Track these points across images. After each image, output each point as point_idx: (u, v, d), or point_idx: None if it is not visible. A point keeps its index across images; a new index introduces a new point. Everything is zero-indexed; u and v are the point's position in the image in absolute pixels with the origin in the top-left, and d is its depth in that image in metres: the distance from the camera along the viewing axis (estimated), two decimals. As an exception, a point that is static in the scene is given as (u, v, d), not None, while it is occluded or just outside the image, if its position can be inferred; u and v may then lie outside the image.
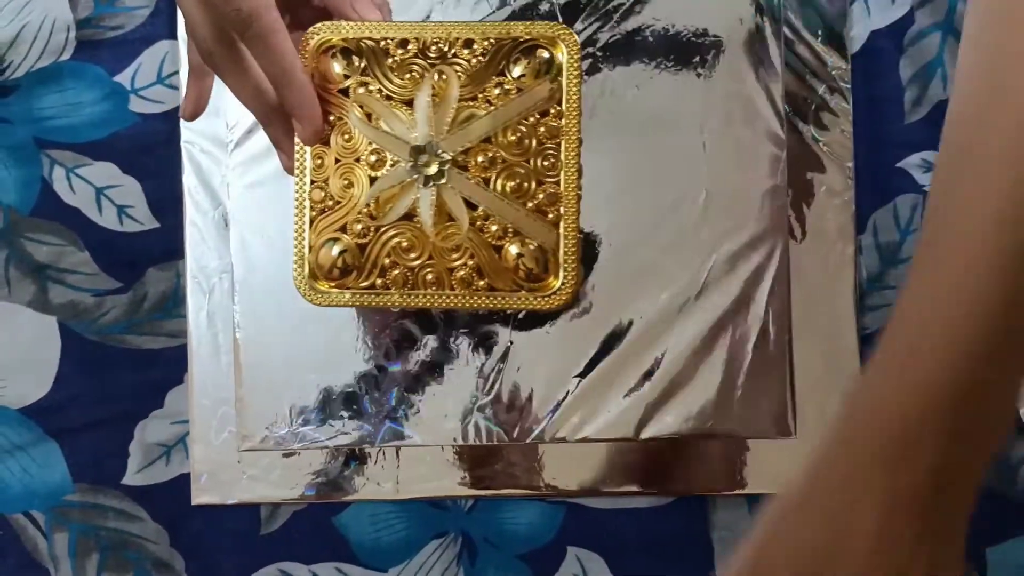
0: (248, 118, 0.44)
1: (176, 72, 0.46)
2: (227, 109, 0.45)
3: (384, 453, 0.44)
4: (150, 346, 0.46)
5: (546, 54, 0.35)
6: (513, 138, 0.35)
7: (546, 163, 0.35)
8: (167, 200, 0.46)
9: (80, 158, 0.47)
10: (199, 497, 0.44)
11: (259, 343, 0.44)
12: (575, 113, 0.35)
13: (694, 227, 0.44)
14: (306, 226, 0.37)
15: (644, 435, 0.43)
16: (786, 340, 0.43)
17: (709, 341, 0.43)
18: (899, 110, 0.46)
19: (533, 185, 0.35)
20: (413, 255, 0.36)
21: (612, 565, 0.45)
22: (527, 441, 0.43)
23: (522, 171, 0.35)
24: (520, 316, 0.44)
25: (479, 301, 0.36)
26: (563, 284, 0.35)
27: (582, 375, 0.43)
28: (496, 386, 0.44)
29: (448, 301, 0.36)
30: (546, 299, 0.35)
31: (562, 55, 0.35)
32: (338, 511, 0.45)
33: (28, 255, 0.46)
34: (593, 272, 0.44)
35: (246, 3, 0.31)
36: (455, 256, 0.36)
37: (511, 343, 0.44)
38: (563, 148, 0.35)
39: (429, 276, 0.36)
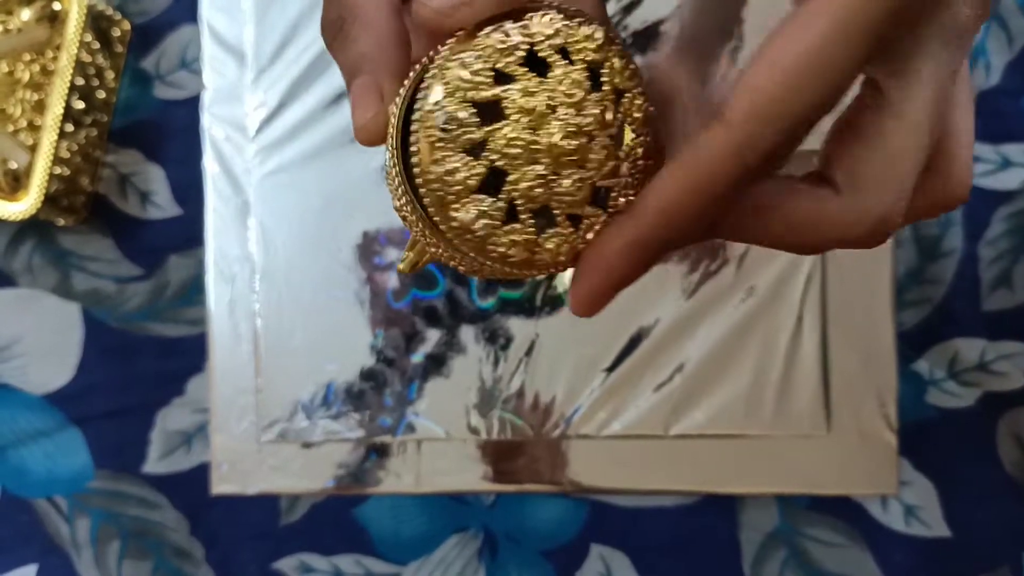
0: (269, 105, 0.44)
1: (200, 58, 0.45)
2: (248, 95, 0.44)
3: (405, 446, 0.43)
4: (172, 334, 0.46)
5: (57, 6, 0.42)
6: (6, 70, 0.41)
7: (35, 96, 0.41)
8: (190, 187, 0.46)
9: (105, 144, 0.46)
10: (219, 486, 0.44)
11: (279, 332, 0.44)
12: (71, 59, 0.42)
13: (726, 218, 0.42)
14: None
15: (673, 432, 0.42)
16: (821, 335, 0.42)
17: (741, 336, 0.42)
18: (940, 99, 0.45)
19: (18, 111, 0.41)
20: None
21: (637, 564, 0.44)
22: (552, 436, 0.43)
23: (11, 99, 0.41)
24: (546, 308, 0.43)
25: None
26: (30, 201, 0.42)
27: (610, 369, 0.42)
28: (521, 380, 0.43)
29: None
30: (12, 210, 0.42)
31: (71, 9, 0.41)
32: (358, 503, 0.45)
33: (52, 241, 0.46)
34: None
35: None
36: None
37: (537, 335, 0.43)
38: (54, 88, 0.41)
39: None
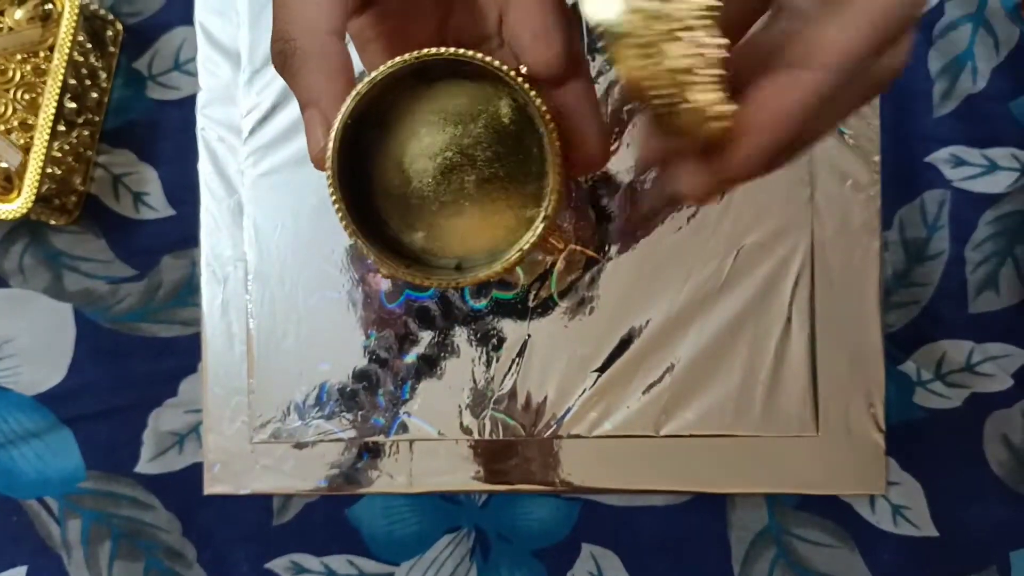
0: (263, 106, 0.44)
1: (193, 59, 0.45)
2: (242, 97, 0.44)
3: (398, 446, 0.43)
4: (164, 334, 0.46)
5: (49, 6, 0.42)
6: None
7: (27, 96, 0.41)
8: (183, 187, 0.46)
9: (97, 144, 0.46)
10: (212, 487, 0.44)
11: (272, 333, 0.44)
12: (63, 59, 0.41)
13: (716, 220, 0.43)
14: None
15: (664, 432, 0.42)
16: (809, 337, 0.42)
17: (731, 337, 0.42)
18: (927, 103, 0.45)
19: (10, 111, 0.41)
20: None
21: (627, 563, 0.44)
22: (543, 436, 0.43)
23: (4, 99, 0.41)
24: (538, 309, 0.43)
25: None
26: (22, 200, 0.42)
27: (600, 370, 0.43)
28: (512, 380, 0.43)
29: None
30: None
31: (64, 9, 0.41)
32: (351, 503, 0.45)
33: (45, 242, 0.46)
34: (612, 264, 0.43)
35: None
36: None
37: (528, 336, 0.43)
38: (47, 88, 0.41)
39: None
